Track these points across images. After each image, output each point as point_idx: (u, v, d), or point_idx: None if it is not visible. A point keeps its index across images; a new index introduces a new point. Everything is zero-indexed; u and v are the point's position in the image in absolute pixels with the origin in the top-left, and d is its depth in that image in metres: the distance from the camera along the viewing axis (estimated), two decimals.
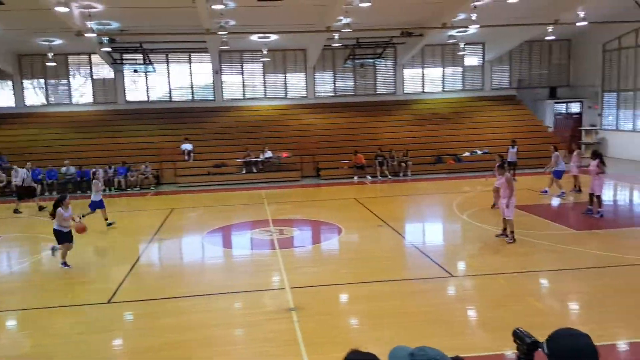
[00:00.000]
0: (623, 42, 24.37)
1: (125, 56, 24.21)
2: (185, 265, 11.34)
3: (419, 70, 27.68)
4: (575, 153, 16.77)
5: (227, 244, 13.06)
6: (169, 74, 26.21)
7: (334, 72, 27.19)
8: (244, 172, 22.43)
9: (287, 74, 26.93)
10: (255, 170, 22.44)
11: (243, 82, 26.78)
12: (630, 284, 8.54)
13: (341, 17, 18.80)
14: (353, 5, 17.31)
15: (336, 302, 8.47)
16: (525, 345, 2.35)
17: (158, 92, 26.47)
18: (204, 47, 24.02)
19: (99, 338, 7.21)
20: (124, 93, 26.07)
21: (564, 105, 27.61)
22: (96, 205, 13.95)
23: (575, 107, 27.58)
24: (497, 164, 12.62)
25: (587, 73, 26.98)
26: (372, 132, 24.90)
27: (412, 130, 25.22)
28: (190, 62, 26.27)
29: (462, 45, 24.99)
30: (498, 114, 26.75)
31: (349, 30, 18.94)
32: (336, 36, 21.22)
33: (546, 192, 16.56)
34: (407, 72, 27.58)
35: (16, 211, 16.76)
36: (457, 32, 22.93)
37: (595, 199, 13.34)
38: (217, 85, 26.46)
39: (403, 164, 22.36)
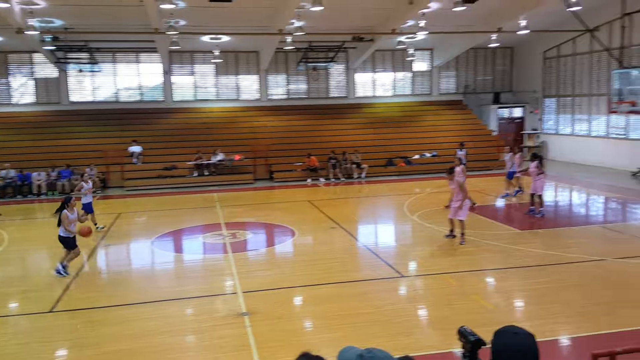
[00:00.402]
0: (562, 51, 25.54)
1: (70, 55, 23.35)
2: (133, 271, 11.06)
3: (370, 75, 28.07)
4: (517, 156, 17.42)
5: (177, 248, 12.82)
6: (116, 74, 25.48)
7: (287, 75, 27.19)
8: (195, 175, 22.08)
9: (240, 76, 26.71)
10: (207, 173, 22.13)
11: (194, 84, 26.38)
12: (570, 281, 8.96)
13: (293, 21, 18.83)
14: (305, 9, 17.38)
15: (289, 305, 8.47)
16: (470, 343, 2.43)
17: (104, 92, 25.68)
18: (153, 47, 23.50)
19: (39, 349, 6.92)
20: (68, 93, 25.13)
21: (507, 110, 28.66)
22: (87, 209, 13.37)
23: (517, 112, 28.68)
24: (448, 169, 12.71)
25: (528, 79, 28.11)
26: (325, 135, 25.05)
27: (364, 134, 25.54)
28: (138, 62, 25.62)
29: (411, 51, 25.54)
30: (446, 118, 27.48)
31: (302, 33, 18.99)
32: (289, 39, 21.24)
33: (508, 195, 16.99)
34: (359, 76, 27.92)
35: None
36: (406, 38, 23.41)
37: (537, 199, 13.94)
38: (167, 86, 25.95)
39: (355, 166, 22.59)
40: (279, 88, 27.31)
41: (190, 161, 22.16)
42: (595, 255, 10.27)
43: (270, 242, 12.98)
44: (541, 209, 13.89)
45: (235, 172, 22.42)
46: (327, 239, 12.65)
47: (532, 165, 13.92)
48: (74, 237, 10.08)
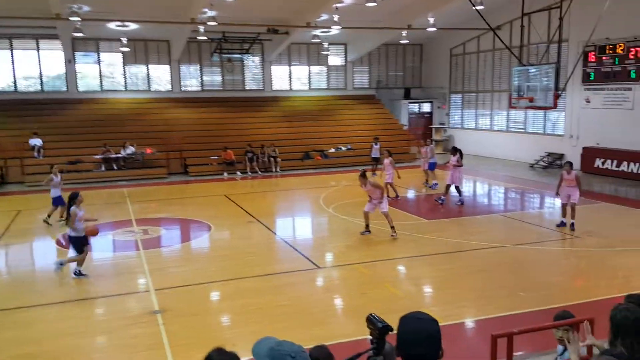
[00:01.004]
0: (467, 48, 26.96)
1: None
2: (35, 271, 10.39)
3: (286, 68, 28.09)
4: (427, 149, 18.21)
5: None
6: (13, 61, 23.62)
7: (200, 66, 26.55)
8: (102, 169, 21.03)
9: (150, 66, 25.71)
10: (115, 168, 21.15)
11: (100, 73, 25.06)
12: (473, 267, 9.55)
13: (206, 10, 18.42)
14: None
15: (204, 301, 8.35)
16: (377, 330, 2.53)
17: (1, 81, 23.75)
18: (54, 33, 22.03)
19: None
20: None
21: (417, 105, 29.87)
22: (58, 202, 12.95)
23: (426, 107, 29.98)
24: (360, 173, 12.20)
25: (436, 76, 29.43)
26: (241, 127, 24.77)
27: (280, 127, 25.54)
28: (38, 49, 23.91)
29: (326, 45, 25.86)
30: (360, 112, 28.12)
31: (214, 23, 18.63)
32: (201, 29, 20.75)
33: (436, 185, 17.57)
34: (275, 69, 27.84)
35: None
36: (321, 32, 23.67)
37: (455, 189, 14.96)
38: (71, 75, 24.44)
39: (272, 159, 22.57)
40: (193, 79, 26.62)
41: (96, 155, 21.07)
42: (496, 242, 11.01)
43: (184, 238, 12.69)
44: (461, 197, 14.93)
45: (147, 166, 21.61)
46: (244, 233, 12.58)
47: (453, 159, 14.79)
48: (85, 236, 9.29)
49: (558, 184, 12.08)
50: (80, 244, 9.24)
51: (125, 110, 24.43)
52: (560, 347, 4.27)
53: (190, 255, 11.24)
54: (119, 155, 21.25)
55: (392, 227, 11.42)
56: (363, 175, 11.63)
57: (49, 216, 13.21)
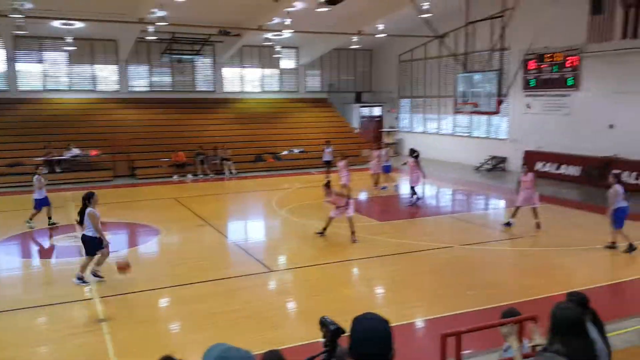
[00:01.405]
0: (415, 55, 27.57)
1: None
2: None
3: (238, 70, 27.87)
4: (383, 152, 18.43)
5: (25, 253, 11.66)
6: None
7: (149, 66, 25.94)
8: (45, 172, 20.12)
9: (96, 66, 24.92)
10: (59, 170, 20.34)
11: (43, 72, 24.06)
12: (423, 267, 9.77)
13: (155, 10, 18.02)
14: None
15: (152, 308, 8.14)
16: (330, 332, 2.56)
17: None
18: None
19: None
20: None
21: (368, 108, 30.32)
22: (42, 203, 12.85)
23: (377, 111, 30.47)
24: (324, 184, 12.16)
25: (386, 80, 29.98)
26: (191, 129, 24.36)
27: (232, 129, 25.30)
28: None
29: (278, 48, 25.84)
30: (312, 115, 28.24)
31: (164, 23, 18.24)
32: (150, 29, 20.28)
33: (386, 187, 17.84)
34: (227, 71, 27.57)
35: None
36: (273, 35, 23.62)
37: (410, 189, 15.50)
38: (11, 74, 23.34)
39: (225, 162, 22.29)
40: (141, 80, 25.98)
41: (38, 157, 20.20)
42: (445, 243, 11.30)
43: (131, 243, 12.35)
44: (418, 197, 15.52)
45: (91, 169, 20.91)
46: (194, 237, 12.37)
47: (411, 161, 15.22)
48: (99, 238, 8.82)
49: (517, 186, 12.50)
50: (94, 245, 8.85)
51: (69, 111, 23.56)
52: (506, 344, 4.43)
53: (138, 260, 10.92)
54: (62, 157, 20.46)
55: (353, 233, 11.39)
56: (327, 186, 11.53)
57: (30, 219, 12.87)
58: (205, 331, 7.05)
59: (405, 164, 16.24)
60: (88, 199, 8.95)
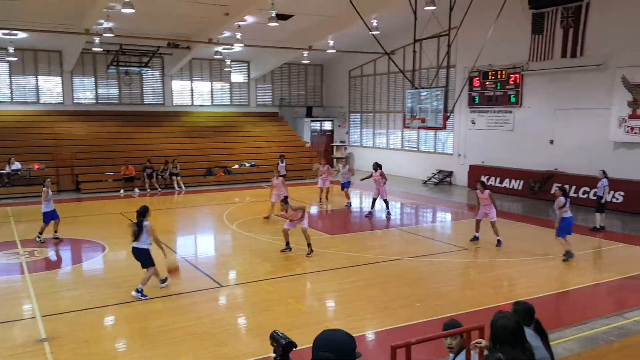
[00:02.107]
0: (365, 70, 28.14)
1: None
2: None
3: (188, 83, 27.56)
4: (327, 167, 18.51)
5: None
6: None
7: (95, 78, 25.26)
8: None
9: (40, 77, 24.06)
10: None
11: None
12: (373, 279, 9.91)
13: (102, 21, 17.65)
14: (115, 9, 16.43)
15: (97, 326, 7.88)
16: (281, 346, 2.59)
17: None
18: None
19: None
20: None
21: (319, 123, 30.62)
22: (50, 217, 12.77)
23: (327, 125, 30.81)
24: (281, 199, 12.10)
25: (336, 95, 30.41)
26: (139, 142, 23.85)
27: (182, 142, 24.94)
28: None
29: (228, 62, 25.77)
30: (263, 129, 28.22)
31: (111, 35, 17.89)
32: (96, 40, 19.84)
33: (350, 204, 17.87)
34: (176, 84, 27.21)
35: None
36: (224, 48, 23.56)
37: (383, 202, 15.93)
38: None
39: (174, 176, 21.90)
40: (87, 91, 25.27)
41: None
42: (394, 255, 11.52)
43: (76, 260, 11.93)
44: (388, 209, 16.01)
45: (34, 183, 19.99)
46: None
47: (376, 174, 15.73)
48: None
49: (477, 203, 12.93)
50: (149, 255, 8.94)
51: (10, 123, 22.60)
52: (451, 355, 4.56)
53: (82, 277, 10.58)
54: (3, 171, 19.57)
55: (309, 245, 11.41)
56: (285, 202, 11.52)
57: (40, 233, 12.76)
58: (152, 349, 6.89)
59: (369, 177, 16.35)
60: (144, 214, 8.99)
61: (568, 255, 10.97)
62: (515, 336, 3.61)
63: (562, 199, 11.04)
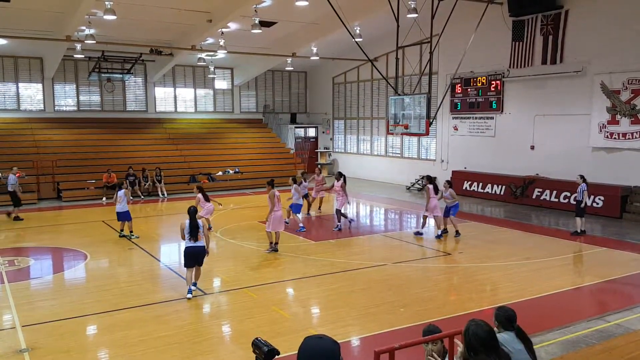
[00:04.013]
0: (348, 77, 28.27)
1: None
2: None
3: (171, 90, 27.43)
4: (322, 177, 18.32)
5: None
6: None
7: (77, 85, 25.02)
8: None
9: (20, 84, 23.77)
10: None
11: None
12: (357, 285, 9.92)
13: (84, 28, 17.52)
14: (97, 16, 16.33)
15: (79, 336, 7.77)
16: (264, 354, 2.58)
17: None
18: None
19: None
20: None
21: (303, 129, 30.66)
22: (124, 217, 13.73)
23: (312, 132, 30.87)
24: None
25: (320, 102, 30.50)
26: (122, 150, 23.65)
27: (165, 150, 24.78)
28: None
29: (212, 68, 25.71)
30: (248, 136, 28.18)
31: (93, 42, 17.76)
32: (78, 47, 19.67)
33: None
34: (159, 91, 27.06)
35: None
36: (207, 55, 23.51)
37: (339, 214, 14.99)
38: None
39: (158, 184, 21.73)
40: (69, 98, 25.02)
41: None
42: (378, 261, 11.55)
43: (57, 268, 11.75)
44: (339, 223, 14.93)
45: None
46: (124, 260, 11.98)
47: (337, 184, 15.04)
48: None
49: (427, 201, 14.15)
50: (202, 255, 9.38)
51: None
52: None
53: (63, 287, 10.43)
54: None
55: (271, 243, 12.12)
56: (270, 184, 12.29)
57: (131, 231, 13.89)
58: (135, 358, 6.81)
59: (331, 187, 15.87)
60: (195, 212, 9.38)
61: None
62: (487, 344, 3.63)
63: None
